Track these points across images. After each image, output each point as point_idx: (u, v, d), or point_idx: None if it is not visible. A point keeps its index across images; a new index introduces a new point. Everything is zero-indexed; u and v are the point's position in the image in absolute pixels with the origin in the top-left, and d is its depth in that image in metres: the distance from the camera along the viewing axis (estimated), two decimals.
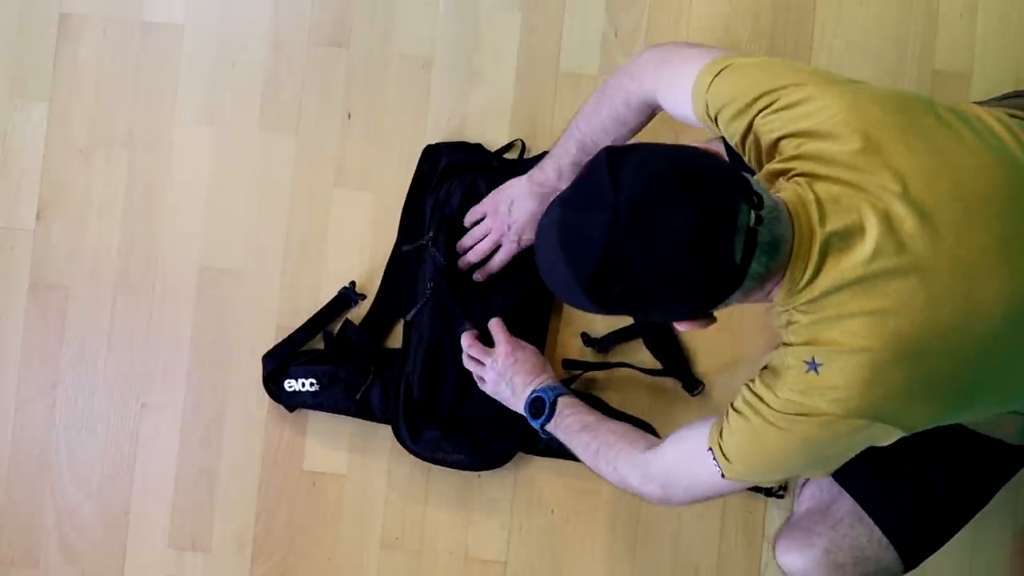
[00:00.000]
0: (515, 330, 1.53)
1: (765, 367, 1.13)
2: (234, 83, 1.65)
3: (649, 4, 1.65)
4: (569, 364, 1.59)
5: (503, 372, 1.48)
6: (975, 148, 1.09)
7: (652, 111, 1.30)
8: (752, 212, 1.00)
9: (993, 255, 1.06)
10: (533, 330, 1.57)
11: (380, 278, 1.61)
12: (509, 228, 1.52)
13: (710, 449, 1.17)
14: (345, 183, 1.64)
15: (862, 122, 1.07)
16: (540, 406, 1.43)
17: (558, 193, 1.42)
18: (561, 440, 1.41)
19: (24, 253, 1.64)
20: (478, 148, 1.61)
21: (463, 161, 1.60)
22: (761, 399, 1.11)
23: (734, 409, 1.14)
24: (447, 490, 1.60)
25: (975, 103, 1.38)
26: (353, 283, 1.60)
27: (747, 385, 1.14)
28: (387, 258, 1.61)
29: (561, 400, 1.42)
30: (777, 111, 1.11)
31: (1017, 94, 1.43)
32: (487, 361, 1.50)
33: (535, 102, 1.63)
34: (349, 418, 1.59)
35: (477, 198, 1.57)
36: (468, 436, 1.56)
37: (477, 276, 1.56)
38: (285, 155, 1.64)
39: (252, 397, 1.61)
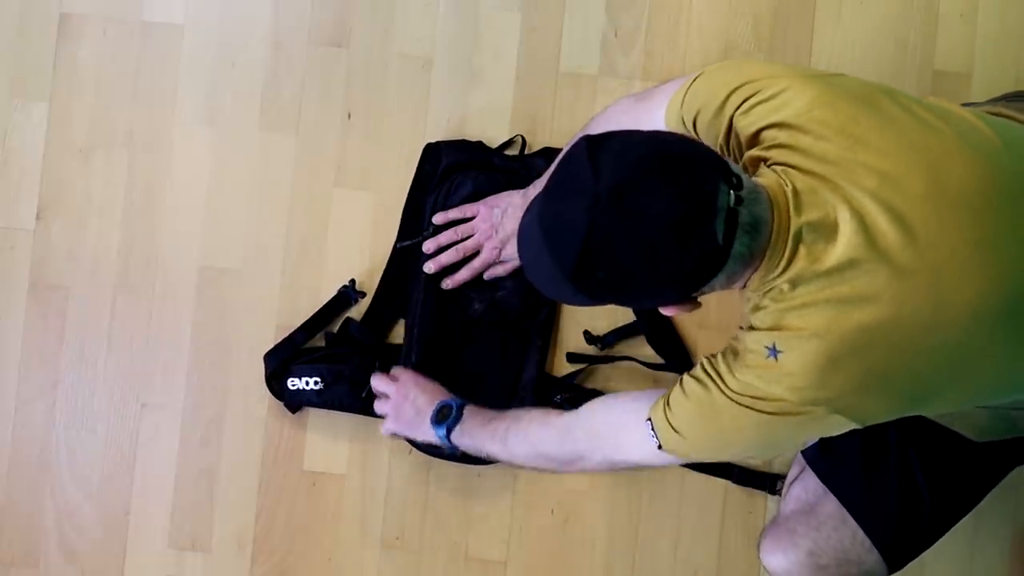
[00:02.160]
0: (519, 325, 1.55)
1: (727, 347, 1.13)
2: (234, 83, 1.65)
3: (649, 4, 1.65)
4: (573, 358, 1.59)
5: (406, 395, 1.48)
6: (953, 145, 1.08)
7: None
8: (732, 193, 1.00)
9: (965, 256, 1.06)
10: (539, 325, 1.58)
11: (380, 277, 1.61)
12: (496, 232, 1.53)
13: (648, 420, 1.16)
14: (345, 183, 1.64)
15: (839, 119, 1.07)
16: (447, 411, 1.43)
17: None
18: (467, 446, 1.40)
19: (24, 253, 1.64)
20: (479, 145, 1.61)
21: (464, 160, 1.60)
22: (720, 376, 1.11)
23: (691, 376, 1.14)
24: (447, 490, 1.60)
25: (969, 104, 1.39)
26: (353, 281, 1.60)
27: (707, 359, 1.14)
28: (387, 257, 1.61)
29: (467, 408, 1.43)
30: (755, 105, 1.11)
31: (1012, 95, 1.43)
32: (390, 391, 1.50)
33: (535, 102, 1.63)
34: (349, 418, 1.59)
35: (477, 197, 1.57)
36: None
37: (446, 283, 1.56)
38: (285, 155, 1.64)
39: (252, 397, 1.61)
